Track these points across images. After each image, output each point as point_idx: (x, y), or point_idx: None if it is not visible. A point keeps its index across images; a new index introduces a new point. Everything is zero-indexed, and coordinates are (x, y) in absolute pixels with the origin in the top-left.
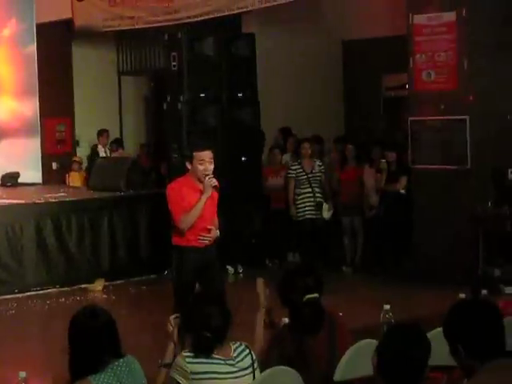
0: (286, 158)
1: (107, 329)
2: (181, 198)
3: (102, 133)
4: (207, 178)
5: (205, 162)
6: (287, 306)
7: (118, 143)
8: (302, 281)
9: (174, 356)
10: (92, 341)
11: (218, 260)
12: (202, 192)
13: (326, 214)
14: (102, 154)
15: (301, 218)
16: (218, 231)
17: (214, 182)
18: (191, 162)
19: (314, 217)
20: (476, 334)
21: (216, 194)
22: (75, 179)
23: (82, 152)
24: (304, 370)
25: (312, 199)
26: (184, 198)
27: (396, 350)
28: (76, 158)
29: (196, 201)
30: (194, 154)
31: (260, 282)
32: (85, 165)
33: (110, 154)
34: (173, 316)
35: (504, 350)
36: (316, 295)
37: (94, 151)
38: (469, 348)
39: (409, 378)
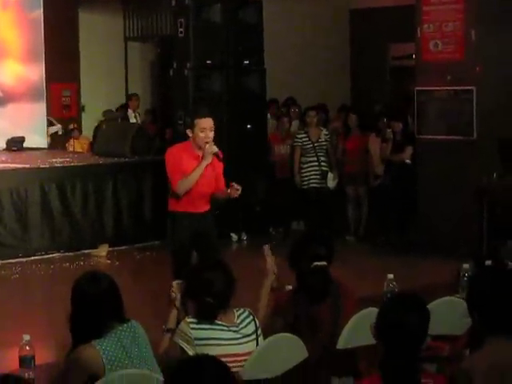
0: (295, 125)
1: (109, 294)
2: (179, 162)
3: (131, 97)
4: (207, 145)
5: (206, 129)
6: (295, 272)
7: (126, 109)
8: (312, 248)
9: (177, 321)
10: (94, 306)
11: (215, 227)
12: (201, 159)
13: (331, 183)
14: (132, 118)
15: (306, 187)
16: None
17: (215, 148)
18: (192, 130)
19: (318, 186)
20: (493, 305)
21: (219, 164)
22: (77, 147)
23: (88, 117)
24: (309, 337)
25: (317, 168)
26: (183, 163)
27: (393, 318)
28: (75, 125)
29: (194, 167)
30: (196, 121)
31: (267, 247)
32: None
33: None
34: (176, 281)
35: None
36: (324, 263)
37: (124, 115)
38: (484, 317)
39: (407, 346)
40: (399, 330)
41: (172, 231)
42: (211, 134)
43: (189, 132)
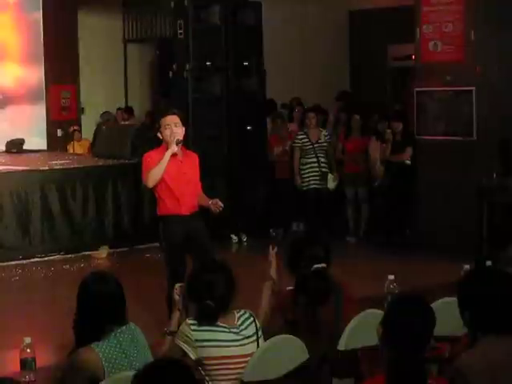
0: (293, 127)
1: (115, 295)
2: (154, 164)
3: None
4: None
5: (170, 126)
6: (294, 275)
7: (129, 111)
8: (309, 250)
9: (179, 324)
10: (99, 306)
11: (205, 228)
12: (176, 157)
13: (331, 184)
14: None
15: (306, 188)
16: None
17: (178, 136)
18: (160, 131)
19: (318, 187)
20: (484, 305)
21: (195, 160)
22: (78, 150)
23: (87, 119)
24: (310, 338)
25: (317, 169)
26: (156, 163)
27: (401, 321)
28: (75, 127)
29: (170, 165)
30: (160, 120)
31: (273, 251)
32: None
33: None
34: (179, 284)
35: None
36: (323, 265)
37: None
38: (474, 317)
39: (413, 349)
40: (406, 333)
41: (162, 235)
42: (177, 129)
43: (159, 135)
